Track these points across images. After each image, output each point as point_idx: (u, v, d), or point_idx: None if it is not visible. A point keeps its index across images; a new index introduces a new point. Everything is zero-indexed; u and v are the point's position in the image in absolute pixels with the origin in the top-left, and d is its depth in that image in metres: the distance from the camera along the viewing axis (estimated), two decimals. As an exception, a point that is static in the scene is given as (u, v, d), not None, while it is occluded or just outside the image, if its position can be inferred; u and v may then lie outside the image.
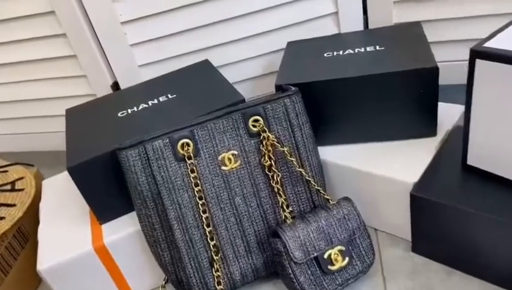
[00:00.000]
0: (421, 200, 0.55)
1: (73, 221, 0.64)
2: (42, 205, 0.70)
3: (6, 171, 0.76)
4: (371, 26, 0.80)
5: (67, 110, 0.73)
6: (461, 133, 0.54)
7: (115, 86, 0.82)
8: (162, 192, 0.55)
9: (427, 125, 0.62)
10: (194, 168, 0.56)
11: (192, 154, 0.56)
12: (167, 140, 0.55)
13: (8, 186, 0.73)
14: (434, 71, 0.58)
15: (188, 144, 0.56)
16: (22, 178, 0.75)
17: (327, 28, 0.80)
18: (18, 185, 0.74)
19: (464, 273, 0.56)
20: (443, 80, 0.74)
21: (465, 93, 0.50)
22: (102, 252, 0.60)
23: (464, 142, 0.54)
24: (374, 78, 0.59)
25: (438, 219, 0.55)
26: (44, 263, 0.58)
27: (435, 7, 0.75)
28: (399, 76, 0.59)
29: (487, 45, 0.47)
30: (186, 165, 0.56)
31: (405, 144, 0.63)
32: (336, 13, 0.79)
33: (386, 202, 0.61)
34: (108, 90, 0.82)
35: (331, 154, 0.65)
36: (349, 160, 0.63)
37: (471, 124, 0.52)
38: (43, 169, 0.84)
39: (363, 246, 0.57)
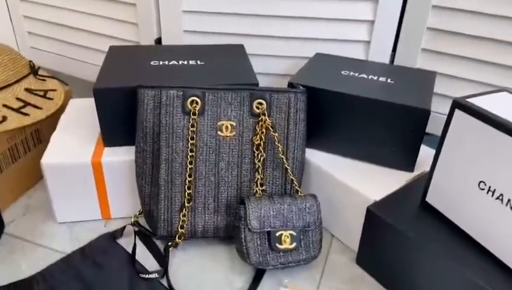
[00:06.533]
0: (375, 217, 0.61)
1: (83, 137, 0.74)
2: (63, 117, 0.80)
3: (44, 80, 0.87)
4: (395, 63, 0.86)
5: (111, 47, 0.83)
6: (429, 173, 0.60)
7: (158, 41, 0.91)
8: (162, 134, 0.64)
9: (407, 160, 0.68)
10: (195, 123, 0.64)
11: (197, 112, 0.64)
12: (181, 93, 0.64)
13: (41, 93, 0.83)
14: (425, 113, 0.64)
15: (196, 102, 0.64)
16: (55, 90, 0.86)
17: (356, 53, 0.87)
18: (49, 95, 0.84)
19: (392, 296, 0.62)
20: (438, 130, 0.80)
21: (440, 137, 0.57)
22: (97, 167, 0.69)
23: (427, 180, 0.60)
24: (374, 102, 0.66)
25: (385, 240, 0.61)
26: (48, 158, 0.68)
27: (457, 66, 0.81)
28: (395, 108, 0.65)
29: (470, 100, 0.54)
30: (189, 120, 0.64)
31: (383, 170, 0.69)
32: (368, 42, 0.86)
33: (348, 212, 0.68)
34: (152, 44, 0.91)
35: (317, 158, 0.72)
36: (329, 166, 0.70)
37: (437, 166, 0.58)
38: (75, 94, 0.94)
39: (313, 239, 0.64)
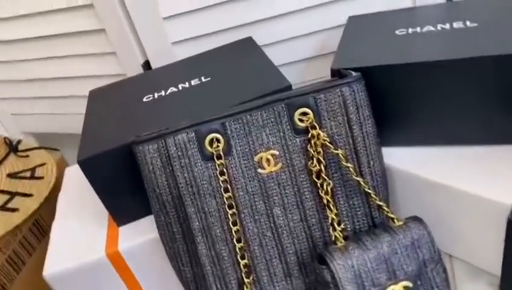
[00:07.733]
0: (524, 231, 0.41)
1: (91, 220, 0.57)
2: (61, 197, 0.63)
3: (27, 156, 0.70)
4: (455, -1, 0.64)
5: (91, 92, 0.65)
6: None
7: (146, 65, 0.72)
8: (185, 197, 0.45)
9: (531, 128, 0.47)
10: (224, 169, 0.45)
11: (222, 153, 0.45)
12: (193, 134, 0.45)
13: (28, 173, 0.67)
14: (552, 56, 0.42)
15: (218, 140, 0.45)
16: (43, 164, 0.69)
17: (400, 2, 0.65)
18: (38, 173, 0.67)
19: None
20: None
21: None
22: (116, 259, 0.51)
23: None
24: (463, 63, 0.45)
25: (546, 257, 0.41)
26: (51, 267, 0.51)
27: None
28: (499, 61, 0.44)
29: None
30: (215, 166, 0.45)
31: (501, 151, 0.48)
32: (411, -19, 0.64)
33: (470, 225, 0.47)
34: (140, 70, 0.73)
35: (398, 158, 0.51)
36: (422, 168, 0.49)
37: None
38: (71, 153, 0.77)
39: (437, 281, 0.44)
